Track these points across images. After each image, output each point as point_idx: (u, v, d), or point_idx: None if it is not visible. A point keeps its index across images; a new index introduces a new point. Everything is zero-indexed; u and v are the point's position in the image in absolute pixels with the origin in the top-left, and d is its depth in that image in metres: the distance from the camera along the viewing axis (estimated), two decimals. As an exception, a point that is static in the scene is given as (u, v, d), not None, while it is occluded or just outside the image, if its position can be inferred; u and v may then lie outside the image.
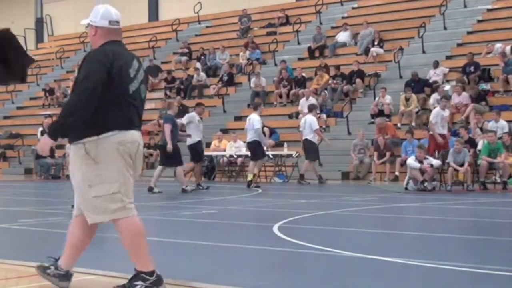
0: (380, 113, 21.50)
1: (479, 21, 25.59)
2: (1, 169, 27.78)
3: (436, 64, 22.83)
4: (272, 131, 22.29)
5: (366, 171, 19.99)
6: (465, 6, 26.50)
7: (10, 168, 27.68)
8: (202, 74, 28.00)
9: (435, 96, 21.26)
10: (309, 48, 27.26)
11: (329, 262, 6.48)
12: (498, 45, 22.92)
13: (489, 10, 25.98)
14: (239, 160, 21.75)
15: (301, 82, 24.83)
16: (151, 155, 24.50)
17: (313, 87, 24.12)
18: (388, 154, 19.32)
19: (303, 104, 23.27)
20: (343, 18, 28.87)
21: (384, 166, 19.36)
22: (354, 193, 15.75)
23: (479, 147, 17.36)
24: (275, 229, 8.66)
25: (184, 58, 30.17)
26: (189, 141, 16.92)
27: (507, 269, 5.86)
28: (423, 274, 5.90)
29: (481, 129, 18.83)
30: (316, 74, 24.61)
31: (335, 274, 5.94)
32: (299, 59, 27.57)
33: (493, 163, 16.17)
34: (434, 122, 16.83)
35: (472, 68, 21.83)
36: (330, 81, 24.03)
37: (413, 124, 20.91)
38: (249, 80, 26.48)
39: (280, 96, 24.94)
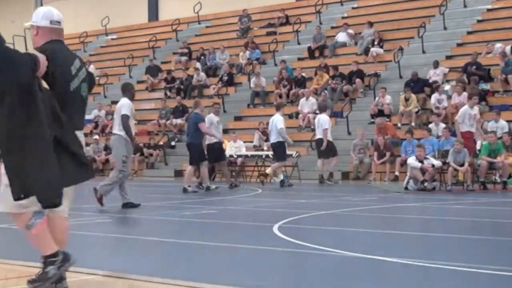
0: (380, 113, 21.49)
1: (479, 21, 25.59)
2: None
3: (436, 64, 22.83)
4: None
5: (366, 171, 19.98)
6: (465, 6, 26.49)
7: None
8: (202, 74, 28.00)
9: (435, 96, 21.27)
10: (309, 48, 27.26)
11: (329, 262, 6.48)
12: (498, 45, 22.91)
13: (489, 10, 25.98)
14: (239, 160, 21.75)
15: (301, 82, 24.83)
16: (151, 155, 24.50)
17: (313, 87, 24.12)
18: (388, 154, 19.32)
19: (303, 104, 23.29)
20: (343, 18, 28.87)
21: (384, 166, 19.36)
22: (354, 193, 15.75)
23: (478, 147, 17.35)
24: (275, 229, 8.66)
25: (184, 58, 30.17)
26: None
27: (507, 269, 5.86)
28: (423, 274, 5.90)
29: (480, 129, 18.81)
30: (316, 74, 24.61)
31: (335, 274, 5.94)
32: (299, 59, 27.56)
33: (493, 163, 16.17)
34: (460, 121, 16.82)
35: (473, 68, 21.80)
36: (329, 81, 24.03)
37: (413, 124, 20.91)
38: (249, 80, 26.48)
39: (280, 96, 24.93)
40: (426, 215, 11.96)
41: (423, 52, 24.60)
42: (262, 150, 21.76)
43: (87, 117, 28.34)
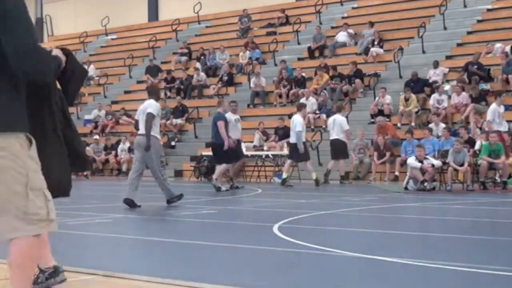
0: (380, 113, 21.50)
1: (479, 21, 25.60)
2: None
3: (436, 64, 22.83)
4: None
5: (366, 171, 19.99)
6: (465, 6, 26.50)
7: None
8: (202, 74, 28.01)
9: (435, 96, 21.27)
10: (309, 48, 27.27)
11: (329, 262, 6.48)
12: (498, 45, 22.92)
13: (489, 10, 25.99)
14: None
15: (301, 82, 24.84)
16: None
17: (313, 87, 24.13)
18: (388, 154, 19.32)
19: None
20: (343, 18, 28.88)
21: (384, 166, 19.36)
22: (354, 193, 15.74)
23: (477, 147, 17.36)
24: (275, 229, 8.66)
25: (184, 58, 30.18)
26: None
27: (507, 269, 5.86)
28: (423, 274, 5.90)
29: (480, 129, 18.83)
30: (316, 74, 24.62)
31: (335, 274, 5.94)
32: (299, 59, 27.57)
33: (493, 163, 16.17)
34: (491, 120, 16.83)
35: (475, 67, 21.80)
36: (329, 81, 24.03)
37: (413, 124, 20.92)
38: (249, 80, 26.48)
39: (280, 96, 24.95)
40: (426, 215, 11.96)
41: (423, 52, 24.61)
42: (262, 150, 21.76)
43: (87, 117, 28.40)
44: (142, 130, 12.21)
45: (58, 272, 4.70)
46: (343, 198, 14.13)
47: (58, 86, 4.43)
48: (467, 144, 17.24)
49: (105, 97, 29.94)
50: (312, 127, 22.56)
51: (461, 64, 22.50)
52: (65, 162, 4.16)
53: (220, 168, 16.37)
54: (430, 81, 22.54)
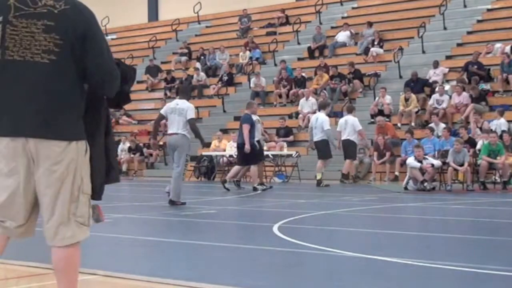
0: (380, 113, 21.50)
1: (479, 21, 25.60)
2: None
3: (436, 64, 22.83)
4: None
5: (366, 171, 19.97)
6: (465, 6, 26.50)
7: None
8: (202, 74, 28.01)
9: (435, 96, 21.27)
10: (309, 48, 27.26)
11: (329, 262, 6.48)
12: (498, 45, 22.93)
13: (489, 10, 25.99)
14: (239, 160, 21.73)
15: (301, 82, 24.83)
16: (151, 155, 24.49)
17: (313, 87, 24.13)
18: (388, 154, 19.31)
19: (303, 104, 23.28)
20: (343, 18, 28.88)
21: (384, 166, 19.35)
22: (354, 193, 15.74)
23: (478, 146, 17.36)
24: (275, 229, 8.66)
25: (184, 58, 30.18)
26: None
27: (507, 269, 5.86)
28: (423, 274, 5.89)
29: (480, 129, 18.83)
30: (316, 74, 24.62)
31: (335, 274, 5.94)
32: (299, 59, 27.57)
33: (493, 163, 16.17)
34: None
35: (475, 67, 21.81)
36: (329, 82, 24.02)
37: (413, 124, 20.92)
38: (249, 80, 26.48)
39: (280, 96, 24.94)
40: (426, 215, 11.96)
41: (423, 52, 24.60)
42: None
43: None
44: (174, 129, 12.49)
45: None
46: (343, 198, 14.13)
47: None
48: (467, 144, 17.25)
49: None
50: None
51: (461, 64, 22.50)
52: (103, 168, 4.14)
53: (253, 170, 16.49)
54: (430, 81, 22.54)
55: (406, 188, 15.95)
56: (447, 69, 22.98)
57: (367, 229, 9.33)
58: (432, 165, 15.84)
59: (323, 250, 7.00)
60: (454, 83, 21.79)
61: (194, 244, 7.67)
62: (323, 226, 9.65)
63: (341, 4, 30.16)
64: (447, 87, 21.81)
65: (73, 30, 3.52)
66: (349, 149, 18.39)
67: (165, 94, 27.92)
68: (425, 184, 15.66)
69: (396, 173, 19.03)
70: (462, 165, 15.95)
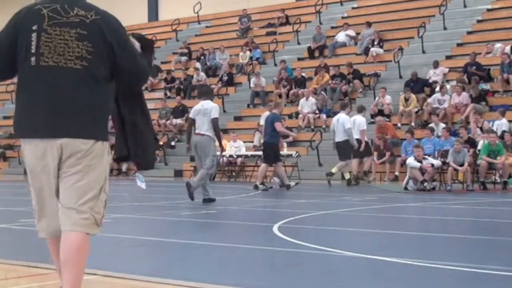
0: (380, 113, 21.50)
1: (479, 21, 25.60)
2: (1, 169, 27.79)
3: (436, 64, 22.83)
4: None
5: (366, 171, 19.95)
6: (465, 6, 26.51)
7: (10, 168, 27.68)
8: (202, 74, 28.00)
9: (437, 96, 21.27)
10: (309, 48, 27.27)
11: (329, 262, 6.47)
12: (498, 45, 22.93)
13: (489, 10, 26.00)
14: (239, 160, 21.75)
15: (301, 82, 24.83)
16: (151, 155, 24.46)
17: (313, 86, 24.13)
18: (387, 154, 19.31)
19: (303, 104, 23.29)
20: (343, 18, 28.89)
21: (384, 166, 19.35)
22: (354, 193, 15.74)
23: (479, 147, 17.36)
24: (275, 229, 8.66)
25: (184, 58, 30.18)
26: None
27: (507, 269, 5.86)
28: (423, 274, 5.89)
29: (480, 129, 18.83)
30: (316, 74, 24.62)
31: (335, 274, 5.94)
32: (299, 59, 27.58)
33: (493, 163, 16.16)
34: None
35: (474, 68, 21.82)
36: (330, 82, 24.03)
37: (413, 124, 20.92)
38: (249, 80, 26.48)
39: (280, 96, 24.93)
40: (426, 215, 11.96)
41: (423, 52, 24.61)
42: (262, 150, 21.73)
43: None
44: (200, 130, 12.78)
45: None
46: (343, 198, 14.13)
47: None
48: (467, 144, 17.25)
49: (105, 97, 29.93)
50: (312, 127, 22.56)
51: (461, 64, 22.51)
52: (152, 140, 4.57)
53: (278, 169, 16.71)
54: (430, 81, 22.54)
55: (406, 188, 15.95)
56: (447, 69, 22.98)
57: (367, 229, 9.33)
58: (432, 165, 15.84)
59: (323, 250, 7.00)
60: (454, 83, 21.79)
61: (194, 244, 7.67)
62: (323, 226, 9.65)
63: (341, 4, 30.16)
64: (447, 87, 21.81)
65: (103, 39, 3.83)
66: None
67: (165, 94, 27.93)
68: (425, 184, 15.66)
69: (396, 173, 19.03)
70: (462, 165, 15.94)
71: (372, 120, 21.51)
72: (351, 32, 26.92)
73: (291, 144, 22.01)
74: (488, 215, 11.48)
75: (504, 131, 18.17)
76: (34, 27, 3.79)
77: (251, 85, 25.79)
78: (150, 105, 27.94)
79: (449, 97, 21.07)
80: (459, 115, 20.50)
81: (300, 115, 23.11)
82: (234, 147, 21.89)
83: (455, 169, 16.15)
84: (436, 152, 17.14)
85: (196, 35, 32.94)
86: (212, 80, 27.93)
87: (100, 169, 3.92)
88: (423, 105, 21.67)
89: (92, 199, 3.88)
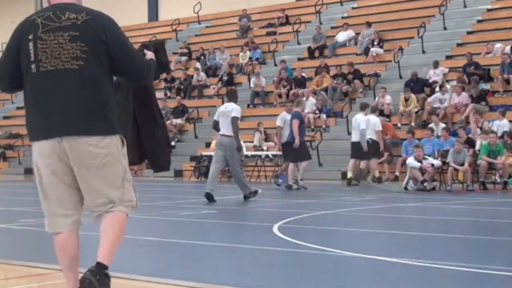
0: (380, 113, 21.47)
1: (479, 21, 25.60)
2: (1, 169, 27.80)
3: (436, 64, 22.83)
4: None
5: (366, 171, 19.93)
6: (465, 6, 26.50)
7: (10, 168, 27.70)
8: (202, 74, 28.01)
9: (437, 95, 21.27)
10: (309, 48, 27.26)
11: (329, 262, 6.48)
12: (498, 45, 22.93)
13: (489, 10, 25.99)
14: (239, 160, 21.73)
15: (301, 82, 24.83)
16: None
17: (312, 87, 24.11)
18: (386, 154, 19.28)
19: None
20: (343, 18, 28.88)
21: (382, 166, 19.32)
22: (354, 193, 15.74)
23: (477, 147, 17.35)
24: (275, 229, 8.66)
25: (184, 58, 30.18)
26: (284, 139, 16.81)
27: (507, 269, 5.86)
28: (423, 274, 5.90)
29: (480, 129, 18.82)
30: (316, 75, 24.61)
31: (335, 274, 5.94)
32: (299, 59, 27.57)
33: (493, 163, 16.15)
34: None
35: (472, 68, 21.84)
36: (331, 81, 24.02)
37: (413, 124, 20.91)
38: (249, 80, 26.48)
39: (280, 96, 24.93)
40: (426, 215, 11.96)
41: (423, 52, 24.61)
42: (262, 150, 21.75)
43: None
44: (224, 131, 13.25)
45: None
46: (343, 198, 14.13)
47: None
48: (466, 144, 17.24)
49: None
50: (312, 127, 22.56)
51: (461, 64, 22.51)
52: (165, 145, 4.82)
53: (291, 167, 16.78)
54: (430, 81, 22.54)
55: (406, 188, 15.95)
56: (447, 69, 22.98)
57: (367, 229, 9.34)
58: (432, 165, 15.84)
59: (323, 250, 7.01)
60: (455, 83, 21.79)
61: (194, 244, 7.68)
62: (323, 226, 9.65)
63: (341, 4, 30.16)
64: (447, 86, 21.81)
65: (96, 37, 4.00)
66: (372, 148, 18.21)
67: (165, 94, 27.93)
68: (425, 184, 15.65)
69: (396, 173, 19.02)
70: (462, 165, 15.94)
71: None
72: (351, 33, 26.92)
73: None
74: (488, 215, 11.49)
75: (504, 132, 18.16)
76: (30, 37, 4.00)
77: (251, 85, 25.78)
78: (150, 105, 28.08)
79: (449, 97, 21.06)
80: (459, 115, 20.50)
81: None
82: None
83: (455, 169, 16.15)
84: (436, 152, 17.13)
85: (196, 35, 32.94)
86: (212, 80, 27.93)
87: (116, 163, 4.09)
88: (423, 105, 21.67)
89: (117, 192, 4.12)
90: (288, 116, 17.10)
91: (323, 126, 22.47)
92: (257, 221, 10.38)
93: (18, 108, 32.42)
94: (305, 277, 5.73)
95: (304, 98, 20.36)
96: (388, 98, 21.99)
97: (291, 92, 24.64)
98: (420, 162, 15.83)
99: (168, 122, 25.66)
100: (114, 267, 5.95)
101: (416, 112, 21.37)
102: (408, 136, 18.34)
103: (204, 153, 22.13)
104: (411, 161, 16.00)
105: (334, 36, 27.38)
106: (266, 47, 28.42)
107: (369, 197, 14.37)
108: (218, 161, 13.49)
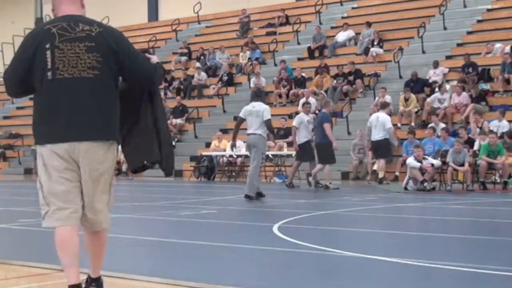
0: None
1: (479, 21, 25.60)
2: (1, 169, 27.79)
3: (436, 64, 22.83)
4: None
5: (366, 171, 19.96)
6: (465, 6, 26.51)
7: (10, 168, 27.70)
8: (203, 74, 28.01)
9: (437, 95, 21.27)
10: (309, 48, 27.27)
11: (329, 262, 6.48)
12: (498, 45, 22.93)
13: (488, 10, 26.00)
14: (239, 160, 21.73)
15: (301, 82, 24.83)
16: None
17: (312, 87, 24.09)
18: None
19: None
20: (343, 18, 28.89)
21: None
22: (354, 193, 15.74)
23: (476, 147, 17.35)
24: (275, 229, 8.66)
25: (183, 58, 30.18)
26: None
27: (507, 269, 5.86)
28: (423, 274, 5.90)
29: (480, 128, 18.82)
30: (316, 75, 24.60)
31: (335, 274, 5.94)
32: (299, 59, 27.58)
33: (493, 163, 16.15)
34: None
35: (470, 69, 21.86)
36: (332, 81, 24.01)
37: (413, 124, 20.91)
38: (249, 80, 26.48)
39: (280, 96, 24.94)
40: (426, 215, 11.96)
41: (423, 52, 24.61)
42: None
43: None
44: (253, 130, 13.61)
45: None
46: (343, 198, 14.13)
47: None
48: (466, 145, 17.24)
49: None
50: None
51: (461, 64, 22.50)
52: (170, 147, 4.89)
53: (328, 169, 16.78)
54: (430, 81, 22.54)
55: (406, 188, 15.95)
56: (447, 69, 22.98)
57: (367, 229, 9.33)
58: (432, 165, 15.84)
59: (323, 250, 7.01)
60: (455, 83, 21.79)
61: (194, 244, 7.68)
62: (323, 226, 9.65)
63: (341, 4, 30.16)
64: (447, 87, 21.81)
65: (109, 48, 4.28)
66: (382, 148, 18.13)
67: (165, 94, 27.90)
68: (425, 184, 15.66)
69: (396, 173, 19.01)
70: (462, 165, 15.94)
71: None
72: (351, 33, 26.91)
73: (291, 144, 21.97)
74: (488, 215, 11.49)
75: (504, 132, 18.15)
76: (48, 45, 4.21)
77: (251, 85, 25.78)
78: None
79: (448, 97, 21.06)
80: (459, 115, 20.50)
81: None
82: (235, 148, 21.83)
83: (455, 169, 16.15)
84: (435, 153, 17.13)
85: (196, 35, 32.94)
86: (212, 80, 27.93)
87: (112, 168, 4.41)
88: (423, 105, 21.67)
89: (107, 197, 4.43)
90: (306, 117, 17.12)
91: (323, 126, 22.43)
92: (257, 221, 10.38)
93: (18, 108, 32.45)
94: (305, 277, 5.73)
95: (330, 100, 20.04)
96: (388, 98, 21.97)
97: (291, 92, 24.65)
98: (420, 162, 15.83)
99: (168, 122, 25.66)
100: (114, 267, 5.96)
101: (416, 112, 21.37)
102: (409, 136, 18.31)
103: (204, 153, 22.12)
104: (411, 161, 16.01)
105: (334, 36, 27.38)
106: (266, 47, 28.42)
107: (369, 197, 14.37)
108: (252, 161, 13.75)
